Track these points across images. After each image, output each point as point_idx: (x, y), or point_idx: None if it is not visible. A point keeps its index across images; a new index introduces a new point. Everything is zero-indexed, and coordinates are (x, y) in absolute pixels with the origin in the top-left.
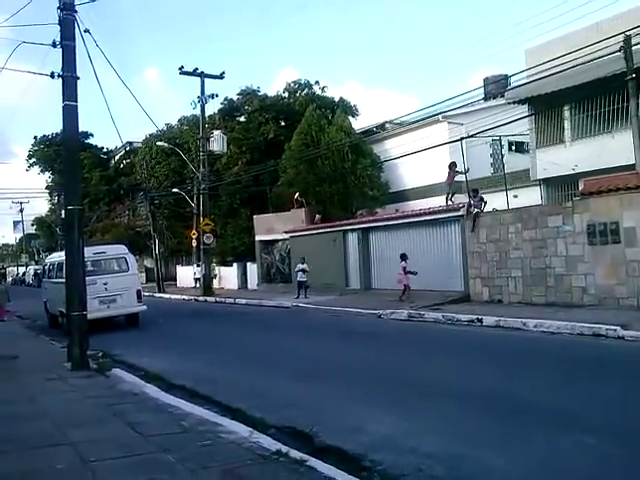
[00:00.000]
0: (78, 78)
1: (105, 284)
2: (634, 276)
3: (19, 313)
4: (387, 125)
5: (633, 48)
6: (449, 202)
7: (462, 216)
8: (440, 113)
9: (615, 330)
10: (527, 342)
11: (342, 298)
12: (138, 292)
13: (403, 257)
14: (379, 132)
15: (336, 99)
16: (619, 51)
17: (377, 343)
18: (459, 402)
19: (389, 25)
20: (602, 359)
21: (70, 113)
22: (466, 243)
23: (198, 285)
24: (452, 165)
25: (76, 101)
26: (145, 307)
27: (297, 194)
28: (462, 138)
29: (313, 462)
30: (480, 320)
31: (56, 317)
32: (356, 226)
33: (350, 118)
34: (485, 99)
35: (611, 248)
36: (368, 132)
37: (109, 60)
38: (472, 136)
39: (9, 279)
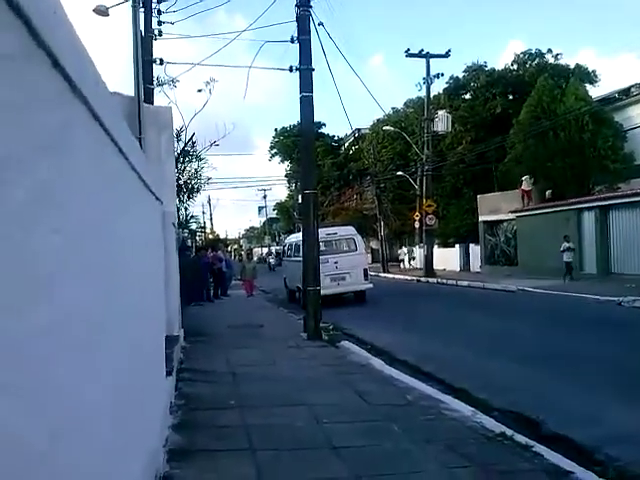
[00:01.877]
0: (313, 70)
1: (336, 263)
2: None
3: (263, 287)
4: (633, 90)
5: None
6: None
7: None
8: None
9: None
10: None
11: (576, 283)
12: (365, 271)
13: None
14: (622, 98)
15: (571, 67)
16: None
17: (613, 332)
18: None
19: None
20: None
21: (307, 104)
22: None
23: (403, 266)
24: None
25: (312, 92)
26: (371, 285)
27: (524, 182)
28: None
29: (539, 448)
30: None
31: (294, 292)
32: (593, 204)
33: (587, 86)
34: None
35: None
36: (608, 100)
37: (341, 51)
38: None
39: (255, 258)
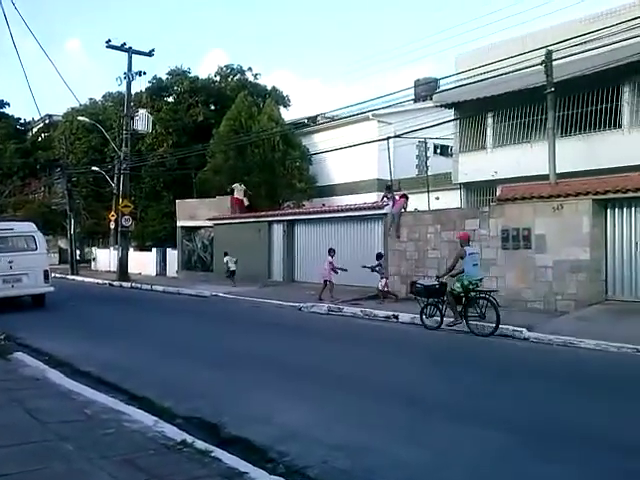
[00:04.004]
0: None
1: (10, 262)
2: (541, 281)
3: None
4: (319, 118)
5: (553, 63)
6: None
7: (385, 214)
8: (371, 110)
9: (521, 332)
10: (437, 339)
11: (264, 289)
12: (45, 272)
13: (331, 252)
14: (310, 125)
15: (268, 87)
16: (541, 64)
17: (294, 335)
18: (370, 394)
19: (322, 15)
20: (506, 358)
21: None
22: (387, 241)
23: (95, 268)
24: (405, 197)
25: None
26: (52, 288)
27: (236, 191)
28: (389, 137)
29: (218, 453)
30: (396, 316)
31: None
32: (282, 217)
33: (281, 108)
34: (415, 101)
35: (522, 253)
36: (299, 124)
37: (28, 24)
38: (399, 136)
39: None
